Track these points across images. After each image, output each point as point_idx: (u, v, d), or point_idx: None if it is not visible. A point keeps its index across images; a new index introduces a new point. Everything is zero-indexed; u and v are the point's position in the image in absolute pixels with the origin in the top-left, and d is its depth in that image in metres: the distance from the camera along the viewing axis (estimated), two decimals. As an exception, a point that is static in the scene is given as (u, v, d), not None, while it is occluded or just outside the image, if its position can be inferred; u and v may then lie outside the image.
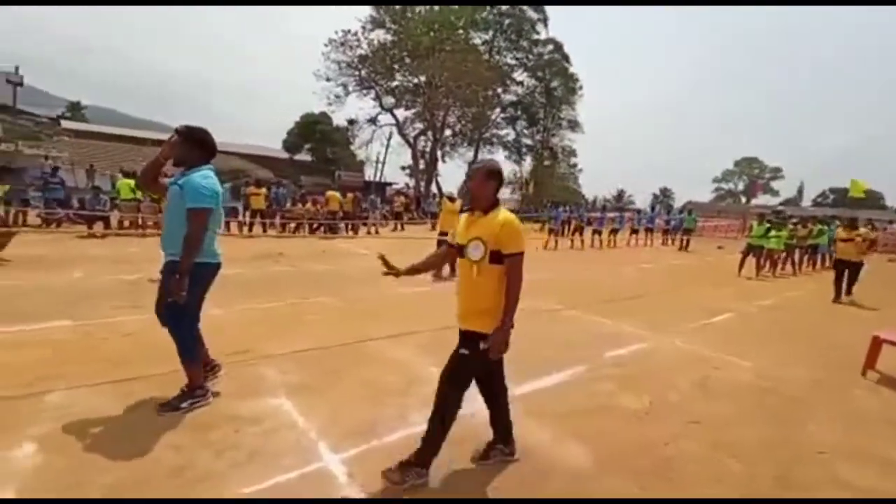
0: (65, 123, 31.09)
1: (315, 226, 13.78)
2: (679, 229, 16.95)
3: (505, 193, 41.16)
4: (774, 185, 60.40)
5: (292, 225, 13.63)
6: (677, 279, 9.42)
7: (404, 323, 4.64)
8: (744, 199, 54.87)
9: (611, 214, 19.25)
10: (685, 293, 7.74)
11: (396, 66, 28.82)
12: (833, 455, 2.64)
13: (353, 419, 2.66)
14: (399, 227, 17.90)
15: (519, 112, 35.49)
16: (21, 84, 21.56)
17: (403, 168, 37.69)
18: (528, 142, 37.11)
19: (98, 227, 10.90)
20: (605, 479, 2.27)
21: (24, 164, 15.96)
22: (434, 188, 30.58)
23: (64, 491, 1.93)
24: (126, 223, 11.18)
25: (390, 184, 34.30)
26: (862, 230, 7.03)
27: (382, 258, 2.33)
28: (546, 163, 37.84)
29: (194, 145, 2.65)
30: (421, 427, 2.13)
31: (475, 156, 33.44)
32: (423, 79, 28.87)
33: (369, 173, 34.69)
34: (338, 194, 14.81)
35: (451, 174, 58.42)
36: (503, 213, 2.05)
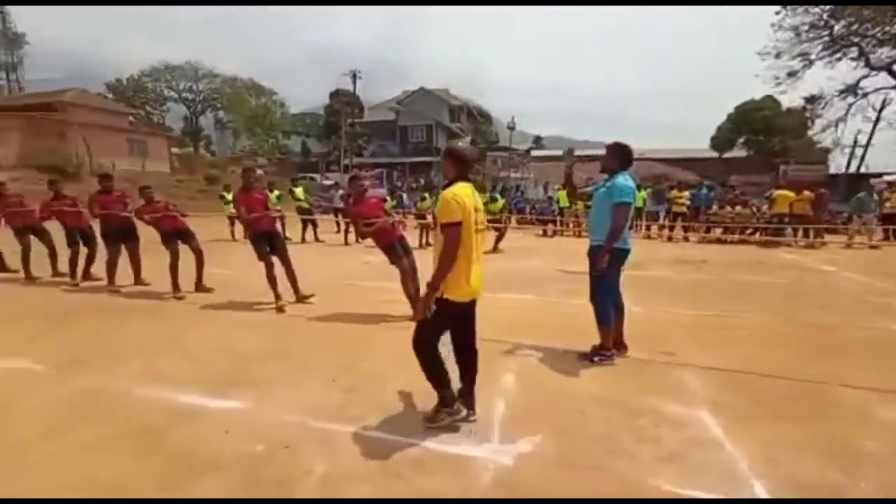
0: (534, 153, 41.54)
1: (749, 231, 11.80)
2: None
3: None
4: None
5: (718, 230, 12.23)
6: None
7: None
8: None
9: None
10: None
11: (904, 0, 19.56)
12: None
13: (797, 470, 2.10)
14: (890, 235, 12.26)
15: None
16: (514, 128, 30.56)
17: (906, 149, 25.48)
18: None
19: (549, 228, 14.03)
20: None
21: (510, 185, 23.10)
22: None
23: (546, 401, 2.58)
24: (569, 225, 13.80)
25: (878, 174, 24.01)
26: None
27: None
28: None
29: (616, 156, 3.29)
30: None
31: None
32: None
33: (838, 163, 25.73)
34: (789, 193, 11.90)
35: None
36: (449, 190, 2.27)
